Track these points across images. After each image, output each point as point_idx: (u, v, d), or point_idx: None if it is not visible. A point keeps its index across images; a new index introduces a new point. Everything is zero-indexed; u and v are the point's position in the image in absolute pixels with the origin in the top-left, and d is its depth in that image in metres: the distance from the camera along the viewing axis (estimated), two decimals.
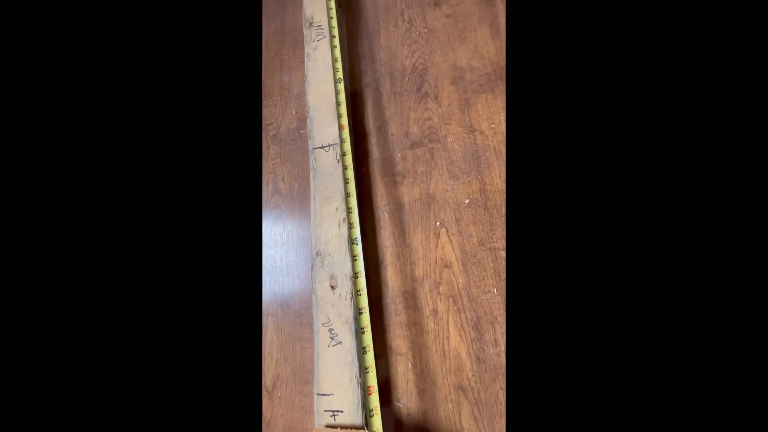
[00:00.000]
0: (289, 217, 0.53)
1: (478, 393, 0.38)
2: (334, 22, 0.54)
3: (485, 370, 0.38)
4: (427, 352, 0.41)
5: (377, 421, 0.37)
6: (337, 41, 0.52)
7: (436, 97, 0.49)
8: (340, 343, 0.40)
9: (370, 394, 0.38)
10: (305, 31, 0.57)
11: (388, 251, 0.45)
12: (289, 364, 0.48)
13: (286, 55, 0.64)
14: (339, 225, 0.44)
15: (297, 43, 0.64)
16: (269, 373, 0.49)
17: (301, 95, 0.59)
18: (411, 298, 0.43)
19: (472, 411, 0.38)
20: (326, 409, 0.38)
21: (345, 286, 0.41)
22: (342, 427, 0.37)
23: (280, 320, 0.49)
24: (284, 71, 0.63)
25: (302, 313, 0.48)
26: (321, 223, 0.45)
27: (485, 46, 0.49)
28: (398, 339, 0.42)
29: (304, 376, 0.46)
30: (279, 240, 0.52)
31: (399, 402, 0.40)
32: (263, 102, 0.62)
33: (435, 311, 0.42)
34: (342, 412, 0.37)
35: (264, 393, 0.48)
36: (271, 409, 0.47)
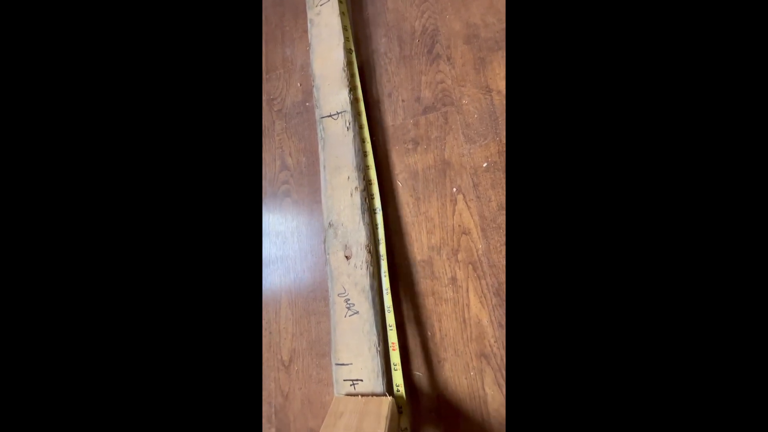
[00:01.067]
0: (299, 192, 0.51)
1: (501, 359, 0.37)
2: None
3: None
4: (446, 320, 0.40)
5: (398, 376, 0.36)
6: (345, 6, 0.50)
7: (448, 59, 0.47)
8: (357, 312, 0.39)
9: (393, 350, 0.37)
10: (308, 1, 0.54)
11: (403, 221, 0.44)
12: (305, 338, 0.47)
13: (288, 26, 0.61)
14: (351, 194, 0.42)
15: (298, 13, 0.61)
16: (285, 348, 0.48)
17: (305, 66, 0.57)
18: (428, 266, 0.42)
19: (495, 377, 0.37)
20: (345, 379, 0.38)
21: (360, 256, 0.40)
22: (362, 395, 0.36)
23: (294, 296, 0.49)
24: (286, 43, 0.60)
25: (316, 287, 0.48)
26: (332, 194, 0.44)
27: (500, 0, 0.46)
28: (416, 309, 0.41)
29: (321, 349, 0.45)
30: (289, 216, 0.51)
31: (419, 372, 0.39)
32: (266, 76, 0.60)
33: (454, 279, 0.40)
34: (362, 380, 0.37)
35: (281, 368, 0.48)
36: (288, 383, 0.47)
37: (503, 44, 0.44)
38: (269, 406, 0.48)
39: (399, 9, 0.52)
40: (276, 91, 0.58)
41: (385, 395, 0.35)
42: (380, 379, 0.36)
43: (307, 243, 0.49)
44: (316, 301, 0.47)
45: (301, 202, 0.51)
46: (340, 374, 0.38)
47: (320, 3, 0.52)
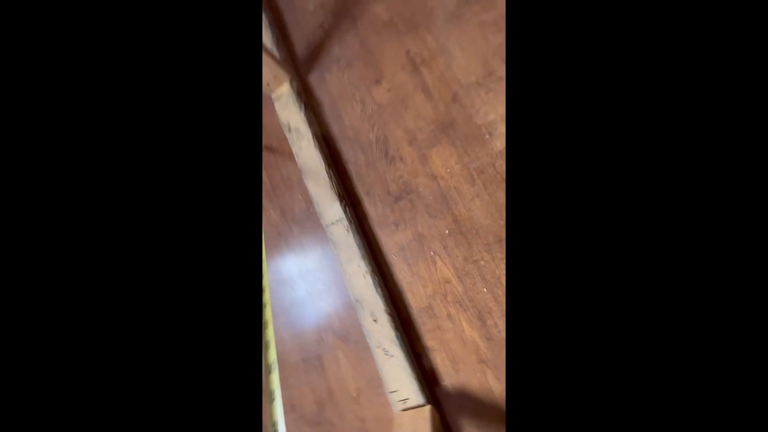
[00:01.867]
0: (322, 272, 0.70)
1: (494, 361, 0.54)
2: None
3: (494, 344, 0.53)
4: (452, 343, 0.57)
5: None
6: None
7: (401, 159, 0.63)
8: (393, 356, 0.57)
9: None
10: (287, 135, 0.72)
11: (403, 282, 0.61)
12: (364, 377, 0.66)
13: (277, 150, 0.79)
14: (364, 276, 0.60)
15: (282, 138, 0.79)
16: (352, 387, 0.67)
17: (301, 182, 0.74)
18: (429, 310, 0.59)
19: (494, 374, 0.54)
20: (398, 400, 0.56)
21: (383, 318, 0.58)
22: (411, 408, 0.54)
23: (346, 350, 0.67)
24: (280, 165, 0.79)
25: (359, 341, 0.66)
26: (350, 279, 0.62)
27: (423, 108, 0.62)
28: (431, 340, 0.59)
29: (376, 383, 0.64)
30: (323, 289, 0.69)
31: (444, 382, 0.57)
32: (274, 192, 0.78)
33: (449, 315, 0.58)
34: (408, 399, 0.55)
35: (352, 402, 0.67)
36: (361, 412, 0.66)
37: (435, 141, 0.60)
38: (353, 430, 0.68)
39: (355, 125, 0.69)
40: (286, 204, 0.77)
41: (427, 404, 0.53)
42: (420, 393, 0.54)
43: (345, 311, 0.67)
44: (362, 350, 0.65)
45: (330, 280, 0.69)
46: (393, 398, 0.56)
47: (299, 140, 0.70)
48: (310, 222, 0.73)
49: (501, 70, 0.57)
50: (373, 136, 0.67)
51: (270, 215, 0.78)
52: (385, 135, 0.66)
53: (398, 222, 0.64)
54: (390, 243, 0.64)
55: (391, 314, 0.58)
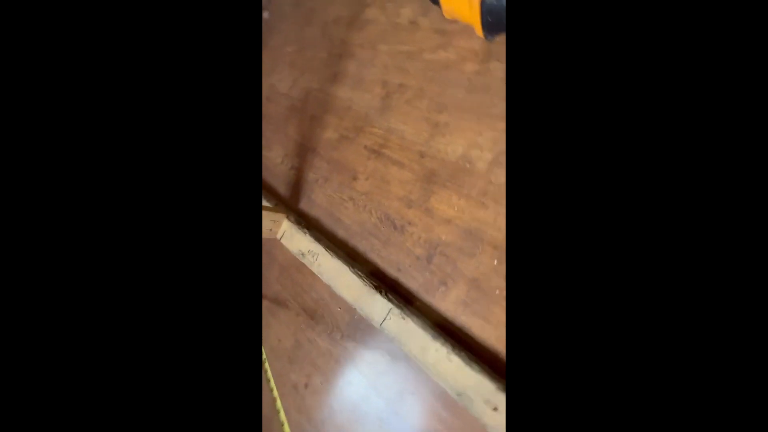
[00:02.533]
0: (398, 374, 0.59)
1: None
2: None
3: None
4: None
5: None
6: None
7: (410, 223, 0.65)
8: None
9: None
10: (304, 260, 0.76)
11: (492, 338, 0.52)
12: None
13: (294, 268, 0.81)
14: (449, 359, 0.51)
15: (294, 278, 0.82)
16: None
17: (335, 296, 0.73)
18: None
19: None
20: None
21: (503, 400, 0.46)
22: None
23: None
24: (307, 289, 0.79)
25: None
26: (436, 370, 0.52)
27: (403, 175, 0.68)
28: None
29: None
30: (410, 395, 0.57)
31: None
32: (314, 319, 0.75)
33: None
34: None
35: None
36: None
37: (429, 193, 0.64)
38: None
39: (355, 220, 0.74)
40: (328, 326, 0.73)
41: None
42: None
43: (451, 416, 0.54)
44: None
45: (419, 385, 0.58)
46: None
47: (315, 260, 0.73)
48: (362, 330, 0.67)
49: (443, 119, 0.66)
50: (375, 219, 0.70)
51: (318, 345, 0.73)
52: (385, 212, 0.69)
53: (444, 280, 0.59)
54: (450, 306, 0.57)
55: (497, 396, 0.46)
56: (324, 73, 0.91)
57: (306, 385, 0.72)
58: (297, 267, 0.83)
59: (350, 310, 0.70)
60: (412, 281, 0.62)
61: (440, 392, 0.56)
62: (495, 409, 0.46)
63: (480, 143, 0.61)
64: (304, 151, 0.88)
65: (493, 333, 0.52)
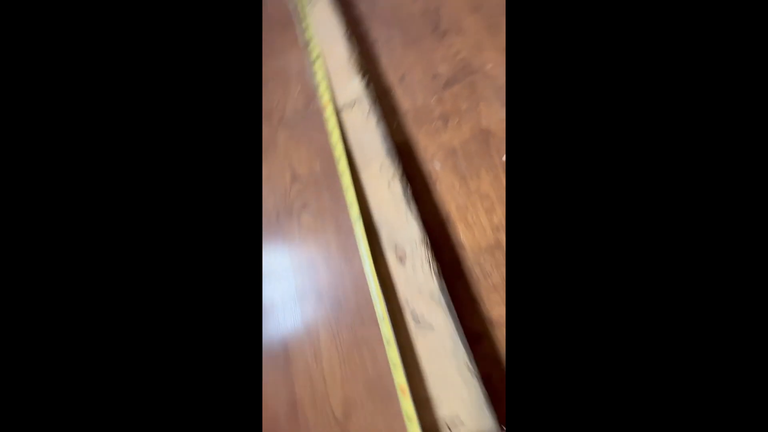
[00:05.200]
0: (318, 200, 0.44)
1: None
2: None
3: None
4: None
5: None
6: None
7: (459, 31, 0.44)
8: (431, 326, 0.30)
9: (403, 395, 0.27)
10: (294, 10, 0.52)
11: (452, 206, 0.37)
12: (360, 379, 0.37)
13: (277, 38, 0.59)
14: (389, 185, 0.36)
15: (284, 25, 0.59)
16: (336, 398, 0.37)
17: (302, 72, 0.53)
18: (499, 251, 0.34)
19: None
20: (435, 419, 0.28)
21: (417, 254, 0.32)
22: None
23: (336, 327, 0.39)
24: (276, 55, 0.58)
25: (362, 308, 0.39)
26: (369, 185, 0.37)
27: None
28: (497, 306, 0.33)
29: (384, 390, 0.35)
30: (311, 233, 0.43)
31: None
32: (265, 89, 0.56)
33: None
34: (461, 420, 0.27)
35: (334, 425, 0.37)
36: None
37: None
38: None
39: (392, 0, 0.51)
40: (274, 101, 0.54)
41: (502, 428, 0.25)
42: (486, 410, 0.26)
43: (341, 258, 0.41)
44: (364, 326, 0.38)
45: (323, 212, 0.44)
46: (426, 417, 0.28)
47: (311, 4, 0.50)
48: (306, 125, 0.49)
49: None
50: (418, 8, 0.48)
51: None
52: (437, 5, 0.47)
53: (449, 115, 0.41)
54: (433, 145, 0.40)
55: (429, 251, 0.32)
56: None
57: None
58: (273, 16, 0.58)
59: (309, 94, 0.50)
60: (408, 99, 0.43)
61: (344, 225, 0.42)
62: (401, 260, 0.32)
63: None
64: None
65: (460, 200, 0.36)
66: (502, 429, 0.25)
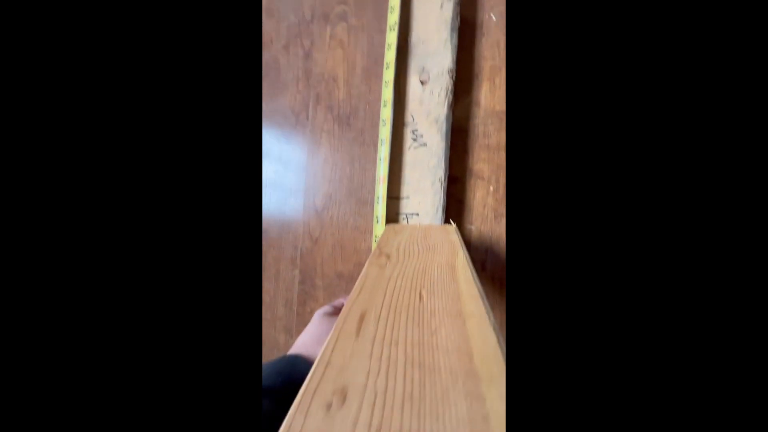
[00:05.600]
0: (359, 16, 0.42)
1: None
2: None
3: None
4: None
5: (379, 229, 0.33)
6: None
7: None
8: (425, 144, 0.34)
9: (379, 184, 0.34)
10: None
11: (487, 64, 0.38)
12: (345, 185, 0.43)
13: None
14: (442, 5, 0.34)
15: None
16: (320, 193, 0.45)
17: None
18: (502, 115, 0.37)
19: None
20: (398, 212, 0.35)
21: (440, 82, 0.34)
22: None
23: (338, 137, 0.43)
24: None
25: (366, 130, 0.42)
26: (416, 3, 0.35)
27: None
28: (481, 162, 0.38)
29: (363, 196, 0.42)
30: (344, 43, 0.42)
31: (472, 225, 0.38)
32: None
33: None
34: (418, 214, 0.34)
35: (313, 213, 0.45)
36: (319, 228, 0.44)
37: None
38: (295, 249, 0.47)
39: None
40: None
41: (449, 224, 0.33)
42: (440, 213, 0.33)
43: (362, 75, 0.41)
44: (364, 146, 0.42)
45: (359, 28, 0.42)
46: (392, 209, 0.35)
47: None
48: None
49: None
50: None
51: None
52: None
53: None
54: None
55: (452, 83, 0.34)
56: None
57: None
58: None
59: None
60: None
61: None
62: (423, 82, 0.35)
63: None
64: None
65: (498, 61, 0.36)
66: (450, 223, 0.33)
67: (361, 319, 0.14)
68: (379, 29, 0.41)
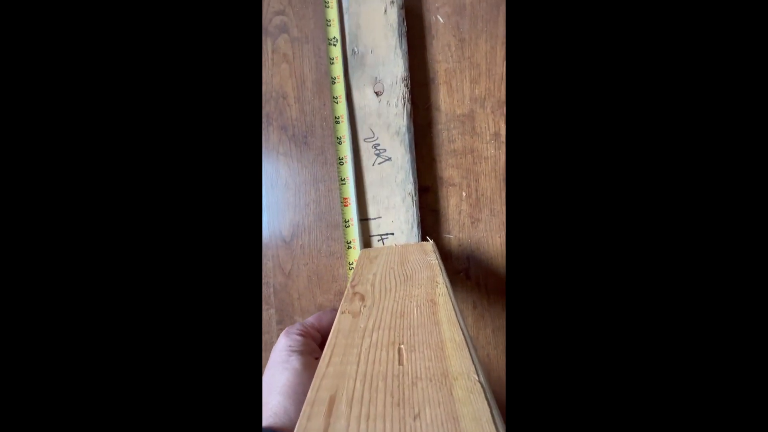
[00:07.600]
0: (301, 25, 0.39)
1: None
2: None
3: None
4: (484, 179, 0.36)
5: (353, 254, 0.32)
6: None
7: None
8: (389, 159, 0.32)
9: (345, 206, 0.32)
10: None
11: (441, 67, 0.36)
12: (312, 209, 0.40)
13: None
14: (385, 10, 0.32)
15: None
16: (285, 222, 0.41)
17: None
18: (468, 121, 0.36)
19: None
20: (372, 235, 0.33)
21: (396, 91, 0.32)
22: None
23: (297, 159, 0.40)
24: None
25: (326, 149, 0.39)
26: (358, 9, 0.33)
27: None
28: (450, 168, 0.36)
29: (333, 219, 0.39)
30: (285, 65, 0.39)
31: (450, 234, 0.36)
32: None
33: (497, 135, 0.36)
34: (392, 234, 0.32)
35: (281, 245, 0.41)
36: (291, 260, 0.41)
37: None
38: (267, 287, 0.42)
39: None
40: None
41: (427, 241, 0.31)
42: (415, 229, 0.31)
43: (308, 91, 0.39)
44: (326, 165, 0.39)
45: (302, 40, 0.39)
46: (364, 232, 0.32)
47: None
48: None
49: None
50: None
51: None
52: None
53: None
54: None
55: (408, 92, 0.32)
56: None
57: None
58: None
59: None
60: None
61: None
62: (378, 93, 0.32)
63: None
64: None
65: (453, 64, 0.35)
66: (427, 239, 0.31)
67: (331, 405, 0.12)
68: (325, 39, 0.39)
